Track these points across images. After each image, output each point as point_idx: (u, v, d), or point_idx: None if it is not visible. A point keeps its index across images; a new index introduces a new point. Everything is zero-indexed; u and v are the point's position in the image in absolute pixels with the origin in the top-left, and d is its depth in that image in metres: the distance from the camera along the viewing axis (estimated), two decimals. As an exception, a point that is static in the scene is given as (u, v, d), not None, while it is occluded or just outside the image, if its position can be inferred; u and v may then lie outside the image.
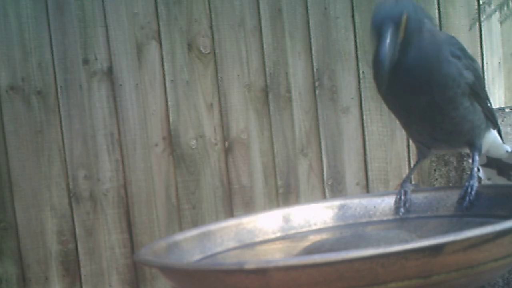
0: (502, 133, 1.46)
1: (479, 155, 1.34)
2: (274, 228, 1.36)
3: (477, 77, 1.30)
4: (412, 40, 1.24)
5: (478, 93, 1.30)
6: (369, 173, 2.38)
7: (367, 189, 2.38)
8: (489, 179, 1.53)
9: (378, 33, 1.27)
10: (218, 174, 2.23)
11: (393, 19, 1.26)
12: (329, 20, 2.33)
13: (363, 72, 2.36)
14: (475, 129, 1.31)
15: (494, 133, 1.39)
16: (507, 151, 1.45)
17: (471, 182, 1.30)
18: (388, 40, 1.24)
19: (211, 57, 2.22)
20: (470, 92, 1.28)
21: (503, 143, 1.44)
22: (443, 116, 1.27)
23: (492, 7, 2.40)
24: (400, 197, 1.37)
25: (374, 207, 1.39)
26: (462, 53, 1.28)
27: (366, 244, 1.10)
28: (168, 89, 2.19)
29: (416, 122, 1.31)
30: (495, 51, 2.52)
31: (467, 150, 1.38)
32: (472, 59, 1.31)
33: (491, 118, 1.37)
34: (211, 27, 2.22)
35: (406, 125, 1.35)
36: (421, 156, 1.42)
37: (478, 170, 1.50)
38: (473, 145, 1.33)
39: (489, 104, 1.36)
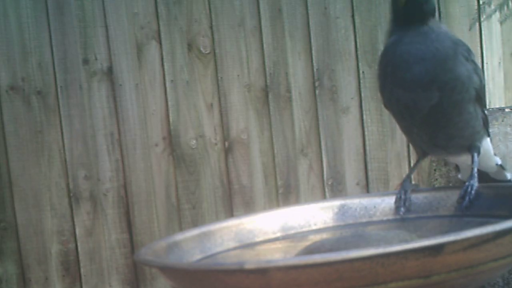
0: (502, 133, 1.46)
1: (479, 155, 1.34)
2: (274, 228, 1.36)
3: (481, 82, 1.30)
4: (425, 23, 1.24)
5: (482, 98, 1.30)
6: (369, 173, 2.38)
7: (367, 189, 2.38)
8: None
9: None
10: (218, 174, 2.23)
11: None
12: (329, 20, 2.33)
13: (363, 72, 2.36)
14: (475, 134, 1.32)
15: (488, 141, 1.39)
16: (496, 164, 1.44)
17: (471, 182, 1.30)
18: None
19: (211, 57, 2.22)
20: (475, 97, 1.28)
21: (494, 154, 1.44)
22: (447, 120, 1.27)
23: (492, 7, 2.40)
24: (400, 197, 1.37)
25: (374, 207, 1.39)
26: (469, 56, 1.28)
27: (366, 244, 1.10)
28: (168, 89, 2.19)
29: (418, 126, 1.31)
30: (495, 51, 2.52)
31: (463, 158, 1.38)
32: (475, 64, 1.30)
33: (486, 126, 1.37)
34: (211, 27, 2.22)
35: (406, 129, 1.35)
36: (420, 156, 1.42)
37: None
38: (473, 146, 1.33)
39: (485, 112, 1.36)
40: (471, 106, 1.28)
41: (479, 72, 1.29)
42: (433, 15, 1.27)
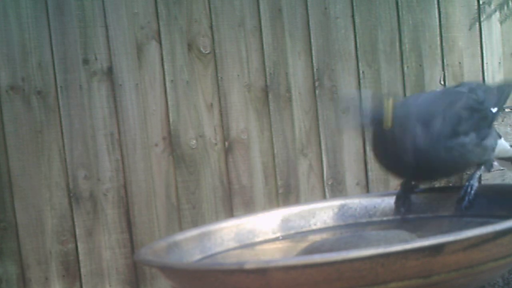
0: (502, 133, 1.47)
1: (487, 168, 1.35)
2: (274, 228, 1.36)
3: (487, 116, 1.28)
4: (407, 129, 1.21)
5: (490, 125, 1.29)
6: (369, 173, 2.38)
7: (367, 189, 2.38)
8: (502, 167, 1.53)
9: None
10: (218, 174, 2.23)
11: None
12: (329, 20, 2.33)
13: (363, 72, 2.36)
14: (485, 157, 1.31)
15: (501, 141, 1.40)
16: None
17: (471, 182, 1.30)
18: None
19: (211, 57, 2.22)
20: (481, 139, 1.27)
21: (511, 146, 1.45)
22: (448, 176, 1.29)
23: (492, 7, 2.40)
24: (400, 197, 1.38)
25: (374, 207, 1.39)
26: (469, 113, 1.25)
27: (366, 244, 1.10)
28: (168, 89, 2.19)
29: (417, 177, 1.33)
30: (495, 51, 2.52)
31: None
32: (480, 113, 1.28)
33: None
34: (211, 27, 2.22)
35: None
36: None
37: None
38: (482, 163, 1.33)
39: (495, 114, 1.35)
40: (475, 155, 1.27)
41: (481, 113, 1.27)
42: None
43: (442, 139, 1.21)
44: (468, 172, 1.48)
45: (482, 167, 1.33)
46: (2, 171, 2.06)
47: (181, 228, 2.18)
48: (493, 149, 1.33)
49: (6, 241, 2.07)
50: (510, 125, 2.01)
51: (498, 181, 1.83)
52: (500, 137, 1.39)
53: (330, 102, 2.34)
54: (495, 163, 1.53)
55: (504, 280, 1.83)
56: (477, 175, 1.31)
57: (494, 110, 1.33)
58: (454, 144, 1.22)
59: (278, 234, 1.35)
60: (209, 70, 2.22)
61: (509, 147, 1.44)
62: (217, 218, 2.19)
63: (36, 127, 2.08)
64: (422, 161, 1.21)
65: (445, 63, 2.46)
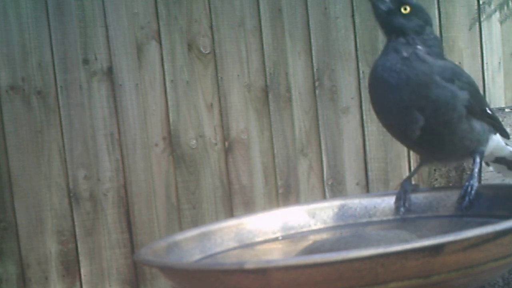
0: (502, 133, 1.46)
1: (481, 157, 1.34)
2: (274, 228, 1.36)
3: (474, 94, 1.30)
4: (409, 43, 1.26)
5: (476, 111, 1.30)
6: (369, 173, 2.38)
7: (367, 189, 2.37)
8: (498, 172, 1.54)
9: None
10: (218, 174, 2.23)
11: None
12: (329, 20, 2.33)
13: (363, 72, 2.36)
14: (475, 142, 1.32)
15: (496, 137, 1.40)
16: (510, 151, 1.46)
17: (471, 182, 1.30)
18: None
19: (211, 57, 2.22)
20: (468, 112, 1.28)
21: (507, 144, 1.45)
22: (442, 139, 1.28)
23: (492, 7, 2.40)
24: (400, 197, 1.38)
25: (374, 207, 1.39)
26: (456, 77, 1.28)
27: (366, 244, 1.10)
28: (168, 89, 2.19)
29: (415, 145, 1.33)
30: (495, 51, 2.52)
31: (468, 161, 1.40)
32: (469, 82, 1.30)
33: (493, 123, 1.37)
34: (211, 27, 2.22)
35: (407, 147, 1.37)
36: (422, 160, 1.43)
37: (488, 165, 1.51)
38: (476, 151, 1.34)
39: (489, 111, 1.36)
40: (464, 122, 1.28)
41: (469, 86, 1.29)
42: (418, 31, 1.28)
43: (437, 75, 1.25)
44: (468, 174, 1.48)
45: (477, 158, 1.32)
46: (2, 171, 2.06)
47: (181, 228, 2.18)
48: (485, 139, 1.33)
49: (6, 241, 2.07)
50: (510, 125, 2.01)
51: (498, 181, 1.83)
52: (495, 133, 1.39)
53: (330, 102, 2.34)
54: (491, 168, 1.53)
55: (504, 280, 1.83)
56: (476, 175, 1.31)
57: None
58: (447, 85, 1.24)
59: (278, 234, 1.35)
60: (209, 70, 2.22)
61: (504, 144, 1.44)
62: (217, 218, 2.19)
63: (36, 127, 2.08)
64: (415, 95, 1.23)
65: (445, 63, 2.46)
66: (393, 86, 1.25)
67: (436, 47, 1.30)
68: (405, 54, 1.27)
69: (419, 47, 1.28)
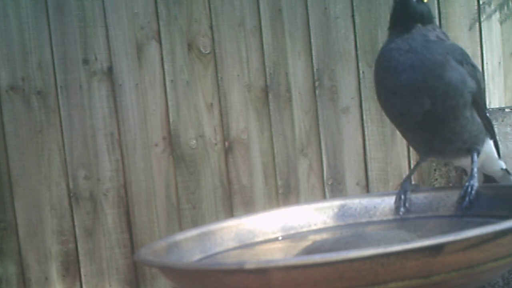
0: (502, 133, 1.46)
1: (478, 155, 1.34)
2: (274, 228, 1.36)
3: (479, 86, 1.31)
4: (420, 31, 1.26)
5: (478, 102, 1.31)
6: (369, 173, 2.38)
7: (367, 189, 2.37)
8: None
9: None
10: (218, 174, 2.23)
11: None
12: (329, 20, 2.33)
13: (363, 72, 2.35)
14: (472, 138, 1.32)
15: (490, 144, 1.40)
16: (501, 168, 1.45)
17: (471, 182, 1.30)
18: None
19: (211, 57, 2.22)
20: (472, 102, 1.28)
21: (499, 158, 1.44)
22: (442, 125, 1.28)
23: (492, 7, 2.40)
24: (400, 197, 1.38)
25: (374, 207, 1.39)
26: (464, 59, 1.28)
27: (366, 244, 1.10)
28: (168, 89, 2.19)
29: (413, 131, 1.32)
30: (495, 51, 2.52)
31: (463, 162, 1.39)
32: (474, 66, 1.31)
33: (488, 128, 1.37)
34: (211, 27, 2.22)
35: (403, 133, 1.36)
36: (421, 157, 1.43)
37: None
38: (472, 149, 1.33)
39: (486, 114, 1.36)
40: (467, 110, 1.28)
41: (477, 75, 1.30)
42: (426, 18, 1.29)
43: (450, 56, 1.26)
44: (467, 172, 1.48)
45: (475, 157, 1.32)
46: (2, 171, 2.06)
47: (181, 228, 2.18)
48: (482, 138, 1.33)
49: (6, 241, 2.07)
50: (510, 125, 2.01)
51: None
52: (491, 138, 1.39)
53: (330, 102, 2.34)
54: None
55: (504, 280, 1.83)
56: (475, 174, 1.31)
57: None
58: (458, 67, 1.25)
59: (278, 234, 1.35)
60: (209, 70, 2.22)
61: (496, 157, 1.43)
62: (217, 218, 2.19)
63: (36, 127, 2.09)
64: (429, 75, 1.23)
65: (445, 63, 2.46)
66: (406, 67, 1.25)
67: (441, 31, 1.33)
68: (432, 37, 1.28)
69: (438, 30, 1.30)
